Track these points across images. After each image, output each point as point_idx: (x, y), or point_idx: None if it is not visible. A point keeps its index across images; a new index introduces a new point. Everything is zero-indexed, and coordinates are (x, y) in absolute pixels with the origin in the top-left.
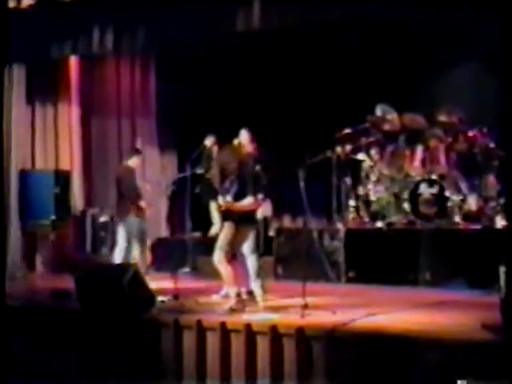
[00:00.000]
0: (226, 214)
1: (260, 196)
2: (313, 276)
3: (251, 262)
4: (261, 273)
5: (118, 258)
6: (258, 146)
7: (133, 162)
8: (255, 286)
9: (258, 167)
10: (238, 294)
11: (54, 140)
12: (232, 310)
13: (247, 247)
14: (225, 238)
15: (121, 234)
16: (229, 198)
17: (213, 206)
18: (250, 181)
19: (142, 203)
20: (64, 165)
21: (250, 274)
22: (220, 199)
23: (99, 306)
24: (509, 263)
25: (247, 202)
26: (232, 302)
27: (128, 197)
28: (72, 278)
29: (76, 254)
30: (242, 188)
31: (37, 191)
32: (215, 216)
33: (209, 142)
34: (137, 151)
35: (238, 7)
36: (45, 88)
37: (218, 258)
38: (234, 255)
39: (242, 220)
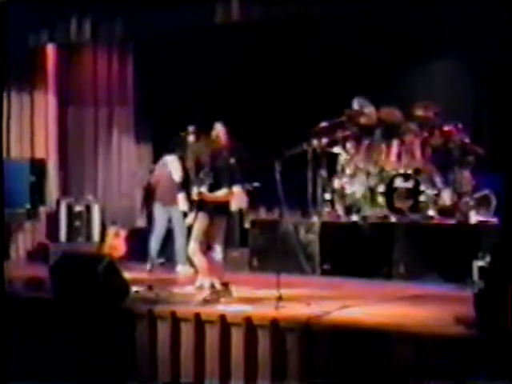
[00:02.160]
0: (200, 205)
1: (235, 188)
2: (288, 268)
3: (217, 254)
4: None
5: None
6: (233, 139)
7: None
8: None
9: (232, 159)
10: (212, 285)
11: (30, 129)
12: (206, 301)
13: (192, 233)
14: (199, 229)
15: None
16: (203, 188)
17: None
18: (225, 173)
19: None
20: (40, 153)
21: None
22: (194, 189)
23: (73, 296)
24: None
25: (221, 193)
26: (206, 292)
27: None
28: (46, 267)
29: (51, 243)
30: (217, 179)
31: (12, 180)
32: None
33: (185, 132)
34: None
35: None
36: (21, 76)
37: (193, 249)
38: (208, 246)
39: (215, 211)
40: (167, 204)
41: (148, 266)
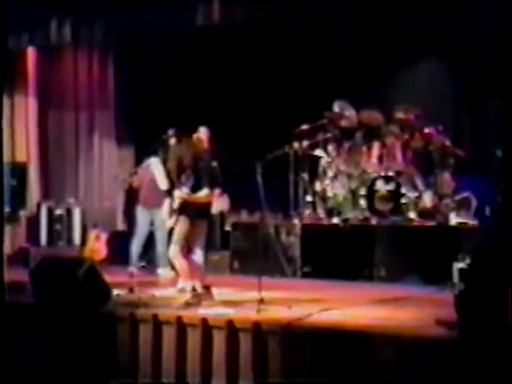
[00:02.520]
0: (182, 208)
1: (216, 190)
2: (269, 271)
3: (197, 257)
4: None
5: None
6: (215, 141)
7: None
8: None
9: (214, 162)
10: (194, 289)
11: (11, 132)
12: (187, 304)
13: (173, 236)
14: (180, 233)
15: None
16: (185, 190)
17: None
18: (206, 175)
19: None
20: (20, 157)
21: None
22: (176, 192)
23: (54, 300)
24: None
25: (203, 193)
26: (187, 296)
27: None
28: (27, 271)
29: (31, 246)
30: (198, 182)
31: None
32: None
33: (167, 135)
34: None
35: (198, 2)
36: (1, 79)
37: (173, 252)
38: (189, 249)
39: (197, 214)
40: (150, 207)
41: (130, 269)
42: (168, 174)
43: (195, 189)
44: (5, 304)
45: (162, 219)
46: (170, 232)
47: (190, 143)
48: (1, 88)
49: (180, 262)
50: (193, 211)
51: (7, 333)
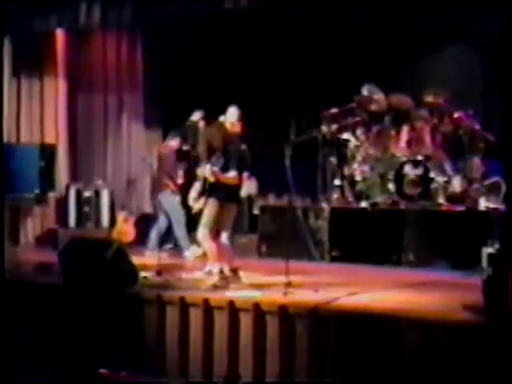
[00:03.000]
0: (211, 191)
1: (245, 174)
2: (296, 254)
3: (223, 240)
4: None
5: None
6: (245, 124)
7: None
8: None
9: (243, 145)
10: (221, 271)
11: (40, 114)
12: (215, 287)
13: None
14: (209, 215)
15: None
16: (213, 168)
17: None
18: (235, 158)
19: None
20: (49, 139)
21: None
22: (206, 168)
23: (82, 281)
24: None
25: (232, 175)
26: (215, 278)
27: None
28: (55, 252)
29: (60, 228)
30: (227, 164)
31: (21, 165)
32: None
33: (195, 117)
34: None
35: None
36: (31, 61)
37: (202, 234)
38: (218, 232)
39: (226, 197)
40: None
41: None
42: (196, 159)
43: (224, 171)
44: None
45: (169, 202)
46: (199, 214)
47: (220, 126)
48: (0, 78)
49: (209, 245)
50: (222, 194)
51: (35, 313)
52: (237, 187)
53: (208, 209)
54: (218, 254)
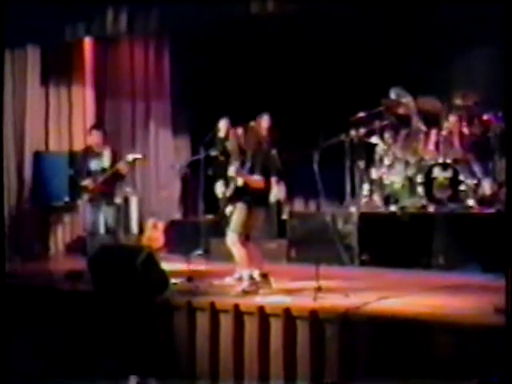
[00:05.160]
0: (239, 195)
1: (274, 178)
2: (326, 259)
3: (228, 238)
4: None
5: None
6: (275, 130)
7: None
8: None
9: (273, 150)
10: (251, 277)
11: (68, 122)
12: (245, 293)
13: (231, 225)
14: (238, 220)
15: None
16: (239, 169)
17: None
18: (263, 162)
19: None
20: (78, 146)
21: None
22: (231, 169)
23: (112, 288)
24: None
25: (257, 178)
26: (245, 284)
27: None
28: (85, 260)
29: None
30: (254, 168)
31: (51, 173)
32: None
33: (222, 124)
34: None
35: None
36: (59, 69)
37: (232, 240)
38: (247, 237)
39: (254, 201)
40: None
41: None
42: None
43: (251, 174)
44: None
45: None
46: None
47: (250, 130)
48: (1, 84)
49: (239, 250)
50: (250, 198)
51: (66, 320)
52: (265, 192)
53: (236, 213)
54: (247, 259)
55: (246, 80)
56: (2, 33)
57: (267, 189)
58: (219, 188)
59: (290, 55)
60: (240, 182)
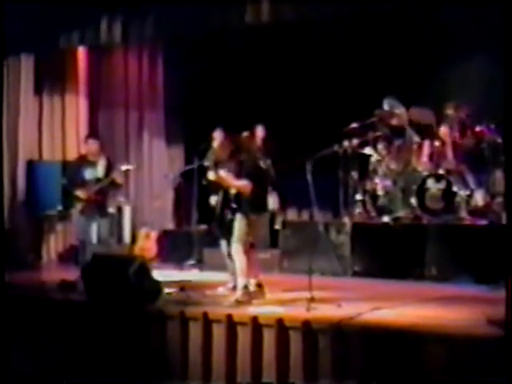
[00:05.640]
0: (237, 205)
1: (269, 189)
2: (319, 269)
3: (233, 249)
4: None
5: None
6: (271, 141)
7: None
8: (238, 275)
9: (268, 161)
10: (246, 286)
11: (62, 131)
12: (238, 302)
13: (234, 236)
14: (239, 230)
15: None
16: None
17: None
18: (252, 169)
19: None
20: (71, 155)
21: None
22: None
23: (105, 298)
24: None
25: (243, 182)
26: (238, 293)
27: None
28: (78, 269)
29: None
30: (240, 173)
31: (44, 182)
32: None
33: (217, 134)
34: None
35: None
36: (53, 78)
37: (235, 249)
38: (252, 245)
39: (251, 210)
40: None
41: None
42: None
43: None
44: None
45: None
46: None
47: (243, 140)
48: (1, 90)
49: (241, 260)
50: (247, 207)
51: (58, 330)
52: (261, 199)
53: (237, 223)
54: (246, 269)
55: (241, 90)
56: (2, 39)
57: (263, 196)
58: (213, 199)
59: (285, 65)
60: (233, 190)
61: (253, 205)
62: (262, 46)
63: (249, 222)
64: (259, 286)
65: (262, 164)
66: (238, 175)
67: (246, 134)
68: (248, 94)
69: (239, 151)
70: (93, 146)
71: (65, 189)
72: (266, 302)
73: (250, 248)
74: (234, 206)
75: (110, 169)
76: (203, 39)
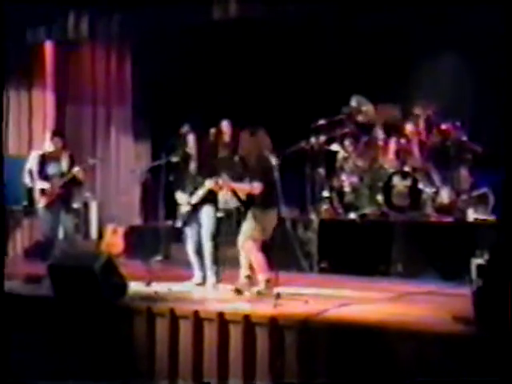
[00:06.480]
0: (246, 202)
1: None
2: (286, 266)
3: (208, 248)
4: (215, 260)
5: None
6: (236, 136)
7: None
8: (209, 272)
9: (236, 157)
10: (268, 280)
11: (28, 126)
12: (260, 294)
13: (206, 234)
14: (249, 227)
15: None
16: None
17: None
18: (226, 169)
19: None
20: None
21: (206, 261)
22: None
23: (72, 293)
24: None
25: (253, 185)
26: (262, 285)
27: None
28: (44, 265)
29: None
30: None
31: (10, 176)
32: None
33: (184, 130)
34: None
35: None
36: (20, 73)
37: (249, 246)
38: (264, 242)
39: (260, 206)
40: None
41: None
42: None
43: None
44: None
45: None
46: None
47: (210, 136)
48: (1, 86)
49: (256, 256)
50: (255, 204)
51: (25, 326)
52: (269, 195)
53: (248, 221)
54: (265, 263)
55: (206, 86)
56: (2, 35)
57: (271, 192)
58: (181, 196)
59: (252, 62)
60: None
61: (261, 202)
62: (229, 43)
63: (258, 218)
64: (268, 281)
65: (231, 161)
66: (242, 176)
67: (212, 130)
68: (215, 90)
69: (210, 149)
70: (57, 143)
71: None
72: (233, 298)
73: (262, 245)
74: (242, 204)
75: (72, 165)
76: (171, 35)
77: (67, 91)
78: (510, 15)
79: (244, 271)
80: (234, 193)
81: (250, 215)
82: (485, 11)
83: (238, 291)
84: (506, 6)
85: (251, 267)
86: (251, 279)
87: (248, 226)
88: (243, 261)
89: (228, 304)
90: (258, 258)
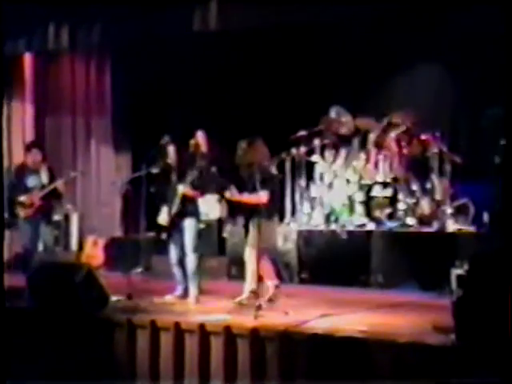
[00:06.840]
0: (240, 212)
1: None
2: None
3: (190, 260)
4: (198, 272)
5: None
6: (215, 148)
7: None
8: (191, 284)
9: (213, 168)
10: (277, 286)
11: (7, 137)
12: (241, 304)
13: (188, 245)
14: (252, 237)
15: None
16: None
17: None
18: (204, 180)
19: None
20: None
21: (188, 273)
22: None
23: (52, 305)
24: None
25: (259, 196)
26: (244, 296)
27: None
28: (24, 277)
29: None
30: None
31: None
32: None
33: (164, 141)
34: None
35: (194, 7)
36: (1, 83)
37: (250, 254)
38: (265, 249)
39: (264, 216)
40: None
41: None
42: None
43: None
44: (4, 309)
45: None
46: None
47: (189, 147)
48: (1, 91)
49: (264, 265)
50: (259, 214)
51: (6, 337)
52: (272, 205)
53: (251, 230)
54: (264, 273)
55: (186, 98)
56: (1, 40)
57: (274, 202)
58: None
59: (231, 73)
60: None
61: (265, 211)
62: (209, 54)
63: (264, 227)
64: (277, 287)
65: (209, 172)
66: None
67: (192, 141)
68: (195, 102)
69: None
70: (36, 155)
71: (8, 196)
72: (214, 309)
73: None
74: (246, 214)
75: (51, 177)
76: (151, 46)
77: (47, 102)
78: (509, 19)
79: (248, 286)
80: (235, 204)
81: (253, 225)
82: (464, 22)
83: (242, 305)
84: (498, 11)
85: (259, 278)
86: (256, 295)
87: (254, 236)
88: (249, 274)
89: (209, 316)
90: (266, 266)
